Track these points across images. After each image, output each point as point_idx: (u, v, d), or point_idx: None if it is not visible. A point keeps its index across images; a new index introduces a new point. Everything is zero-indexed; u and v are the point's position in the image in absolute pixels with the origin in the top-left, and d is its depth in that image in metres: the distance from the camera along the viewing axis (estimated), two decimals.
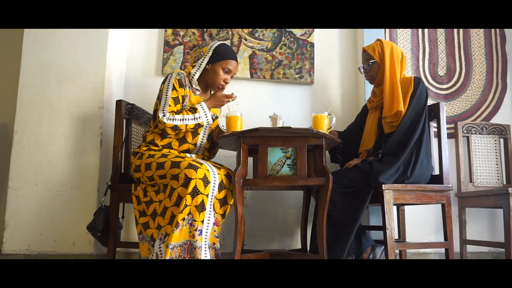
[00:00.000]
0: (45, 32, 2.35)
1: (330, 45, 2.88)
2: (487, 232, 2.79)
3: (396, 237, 2.41)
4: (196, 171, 1.80)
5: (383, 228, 1.97)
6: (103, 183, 2.23)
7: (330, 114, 2.08)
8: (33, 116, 2.28)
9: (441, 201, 2.09)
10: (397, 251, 2.44)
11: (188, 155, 2.04)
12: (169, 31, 2.68)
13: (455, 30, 2.97)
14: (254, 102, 2.71)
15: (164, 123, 1.92)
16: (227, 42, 2.68)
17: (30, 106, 2.29)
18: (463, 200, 2.66)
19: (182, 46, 2.68)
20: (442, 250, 2.20)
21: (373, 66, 2.25)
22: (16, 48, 2.41)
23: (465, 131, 2.75)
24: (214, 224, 1.90)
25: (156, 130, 2.04)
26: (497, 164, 2.75)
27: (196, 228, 1.78)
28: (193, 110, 1.99)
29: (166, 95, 1.98)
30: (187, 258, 1.77)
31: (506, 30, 3.01)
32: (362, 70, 2.33)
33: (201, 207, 1.80)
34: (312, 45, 2.80)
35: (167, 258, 1.72)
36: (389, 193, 1.97)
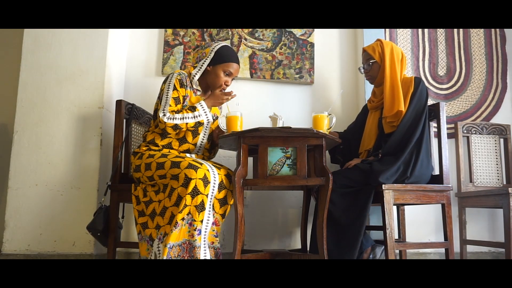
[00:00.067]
0: (45, 32, 2.35)
1: (330, 45, 2.88)
2: (487, 232, 2.79)
3: (396, 237, 2.41)
4: (196, 171, 1.80)
5: (383, 228, 1.97)
6: (103, 183, 2.23)
7: (330, 114, 2.08)
8: (33, 116, 2.28)
9: (441, 201, 2.09)
10: (397, 251, 2.44)
11: (188, 155, 2.04)
12: (169, 31, 2.68)
13: (455, 30, 2.97)
14: (254, 102, 2.71)
15: (165, 122, 1.92)
16: (227, 42, 2.68)
17: (30, 106, 2.29)
18: (463, 200, 2.66)
19: (182, 46, 2.68)
20: (442, 250, 2.20)
21: (373, 66, 2.25)
22: (16, 48, 2.41)
23: (465, 131, 2.75)
24: (213, 224, 1.90)
25: (156, 129, 2.04)
26: (497, 164, 2.75)
27: (196, 228, 1.79)
28: (193, 108, 1.99)
29: (167, 95, 1.98)
30: (186, 258, 1.77)
31: (506, 30, 3.01)
32: (362, 70, 2.33)
33: (201, 207, 1.80)
34: (312, 45, 2.80)
35: (165, 257, 1.72)
36: (389, 193, 1.97)
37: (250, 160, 2.16)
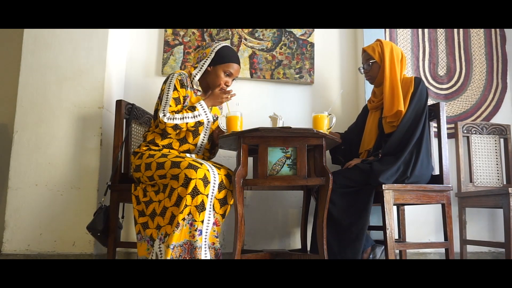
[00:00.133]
0: (45, 32, 2.35)
1: (330, 45, 2.88)
2: (487, 232, 2.79)
3: (396, 237, 2.41)
4: (196, 171, 1.80)
5: (383, 228, 1.97)
6: (103, 183, 2.23)
7: (330, 114, 2.08)
8: (33, 116, 2.28)
9: (441, 201, 2.09)
10: (397, 251, 2.44)
11: (188, 155, 2.04)
12: (169, 31, 2.68)
13: (455, 30, 2.97)
14: (254, 102, 2.71)
15: (165, 122, 1.92)
16: (227, 42, 2.68)
17: (30, 106, 2.29)
18: (463, 200, 2.66)
19: (182, 46, 2.68)
20: (442, 250, 2.20)
21: (373, 66, 2.25)
22: (16, 48, 2.41)
23: (465, 131, 2.75)
24: (214, 224, 1.90)
25: (156, 130, 2.04)
26: (497, 164, 2.75)
27: (196, 228, 1.78)
28: (192, 108, 1.99)
29: (167, 95, 1.98)
30: (187, 258, 1.77)
31: (506, 30, 3.01)
32: (362, 70, 2.33)
33: (201, 207, 1.80)
34: (312, 45, 2.80)
35: (168, 258, 1.72)
36: (389, 193, 1.97)
37: (250, 160, 2.16)
